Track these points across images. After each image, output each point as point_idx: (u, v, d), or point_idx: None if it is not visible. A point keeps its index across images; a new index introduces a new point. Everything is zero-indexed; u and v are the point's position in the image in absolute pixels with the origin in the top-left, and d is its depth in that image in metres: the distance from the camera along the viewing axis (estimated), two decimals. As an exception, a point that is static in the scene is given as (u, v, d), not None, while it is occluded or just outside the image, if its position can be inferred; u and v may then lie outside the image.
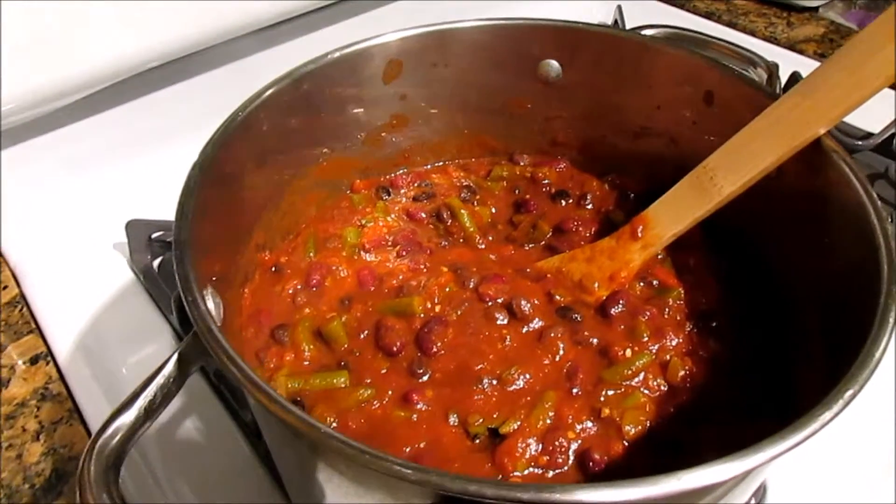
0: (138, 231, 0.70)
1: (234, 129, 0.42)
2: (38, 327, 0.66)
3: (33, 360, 0.63)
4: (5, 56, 0.65)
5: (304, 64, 0.47)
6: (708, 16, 1.11)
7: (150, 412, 0.31)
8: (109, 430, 0.29)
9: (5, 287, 0.71)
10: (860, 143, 0.82)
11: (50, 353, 0.64)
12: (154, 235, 0.72)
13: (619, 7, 1.01)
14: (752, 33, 1.07)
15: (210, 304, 0.33)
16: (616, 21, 0.93)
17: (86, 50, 0.69)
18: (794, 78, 0.42)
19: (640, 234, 0.47)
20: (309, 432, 0.26)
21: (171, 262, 0.68)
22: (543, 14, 0.54)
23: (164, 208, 0.67)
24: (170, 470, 0.53)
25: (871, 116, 0.83)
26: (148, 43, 0.71)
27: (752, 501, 0.52)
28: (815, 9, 1.10)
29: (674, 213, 0.46)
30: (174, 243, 0.33)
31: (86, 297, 0.68)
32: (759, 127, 0.43)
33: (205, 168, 0.38)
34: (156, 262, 0.71)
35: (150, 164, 0.78)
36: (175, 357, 0.32)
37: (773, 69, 0.50)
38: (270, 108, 0.45)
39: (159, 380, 0.32)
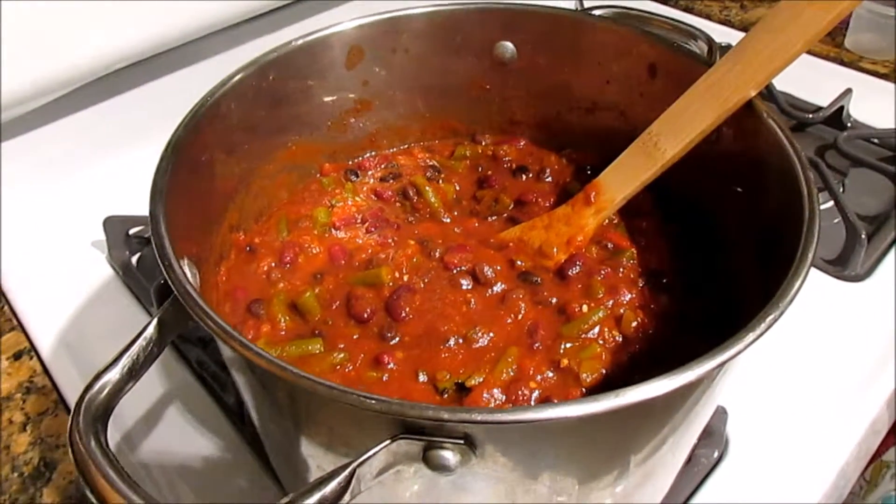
0: (116, 227, 0.72)
1: (203, 114, 0.45)
2: (20, 324, 0.68)
3: (17, 356, 0.65)
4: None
5: (268, 52, 0.50)
6: (664, 1, 1.15)
7: (134, 371, 0.33)
8: (96, 387, 0.31)
9: (-15, 286, 0.72)
10: (811, 116, 0.87)
11: (33, 348, 0.66)
12: (132, 231, 0.73)
13: (582, -8, 1.05)
14: (708, 17, 1.11)
15: (187, 272, 0.35)
16: (577, 4, 0.97)
17: (56, 51, 0.71)
18: (730, 47, 0.46)
19: (592, 200, 0.50)
20: (280, 374, 0.29)
21: (150, 253, 0.71)
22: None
23: (141, 205, 0.69)
24: (156, 456, 0.55)
25: (822, 92, 0.88)
26: (117, 42, 0.73)
27: (716, 454, 0.56)
28: (767, -8, 1.14)
29: (623, 178, 0.49)
30: (150, 216, 0.36)
31: (66, 294, 0.70)
32: (695, 93, 0.46)
33: (176, 149, 0.41)
34: (134, 258, 0.73)
35: (123, 162, 0.80)
36: (155, 321, 0.34)
37: (712, 41, 0.53)
38: (237, 94, 0.48)
39: (141, 342, 0.34)
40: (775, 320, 0.31)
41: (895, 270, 0.69)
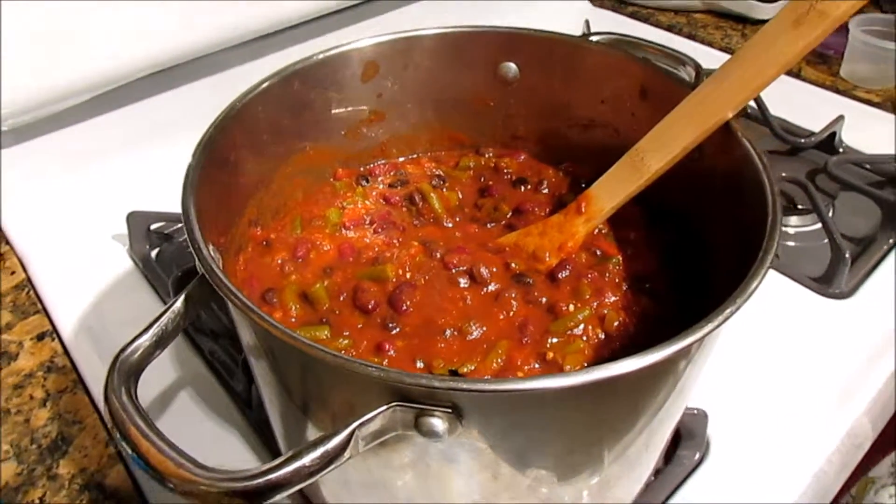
0: (138, 222, 0.76)
1: (232, 117, 0.49)
2: (43, 308, 0.73)
3: (40, 337, 0.70)
4: (8, 61, 0.71)
5: (292, 63, 0.54)
6: (670, 28, 1.20)
7: (162, 339, 0.37)
8: (129, 349, 0.36)
9: (13, 272, 0.77)
10: (803, 140, 0.90)
11: (55, 330, 0.70)
12: (153, 227, 0.78)
13: (587, 21, 1.10)
14: (710, 44, 1.16)
15: (213, 255, 0.39)
16: (584, 32, 1.02)
17: (86, 57, 0.75)
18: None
19: (583, 210, 0.54)
20: (292, 342, 0.33)
21: (169, 248, 0.75)
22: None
23: (163, 202, 0.74)
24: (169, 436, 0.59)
25: (816, 118, 0.92)
26: (146, 52, 0.78)
27: (697, 455, 0.59)
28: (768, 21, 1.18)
29: (611, 190, 0.53)
30: (182, 203, 0.40)
31: (88, 283, 0.74)
32: (678, 114, 0.50)
33: (207, 146, 0.45)
34: (154, 252, 0.77)
35: (148, 161, 0.85)
36: (182, 296, 0.39)
37: (698, 67, 0.57)
38: (263, 101, 0.52)
39: (169, 314, 0.38)
40: (732, 314, 0.35)
41: (879, 289, 0.73)
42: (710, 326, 0.34)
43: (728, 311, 0.35)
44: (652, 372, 0.35)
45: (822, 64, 1.09)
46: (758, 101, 0.90)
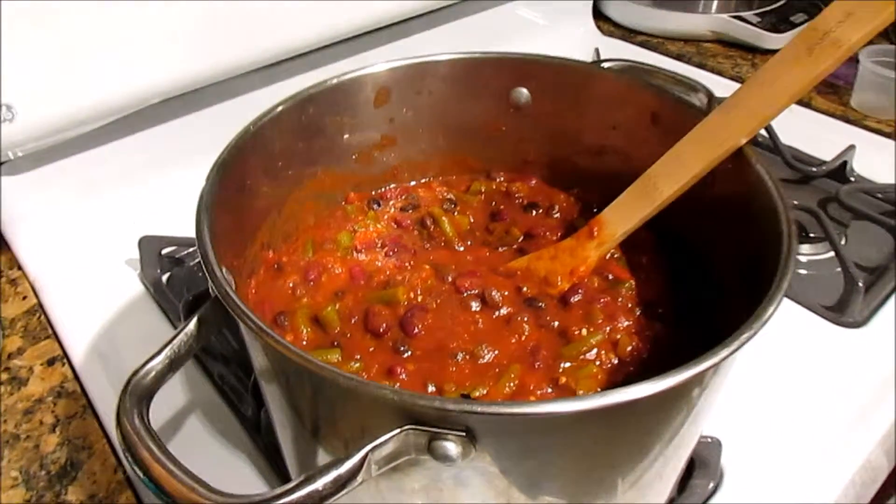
0: (149, 246, 0.77)
1: (247, 140, 0.50)
2: (54, 333, 0.73)
3: (50, 362, 0.69)
4: (22, 86, 0.72)
5: (306, 88, 0.55)
6: (679, 57, 1.20)
7: (175, 362, 0.37)
8: (142, 372, 0.36)
9: (24, 297, 0.77)
10: (815, 169, 0.90)
11: (65, 355, 0.70)
12: (164, 251, 0.78)
13: (597, 49, 1.11)
14: (720, 73, 1.16)
15: (226, 277, 0.39)
16: (594, 59, 1.03)
17: (100, 83, 0.76)
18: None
19: (595, 234, 0.54)
20: (305, 364, 0.33)
21: (180, 272, 0.75)
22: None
23: (174, 226, 0.75)
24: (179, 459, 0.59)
25: (827, 147, 0.92)
26: (159, 78, 0.79)
27: (711, 485, 0.58)
28: (777, 51, 1.19)
29: (623, 215, 0.53)
30: (196, 224, 0.40)
31: (99, 307, 0.74)
32: (691, 139, 0.50)
33: (221, 169, 0.46)
34: (164, 277, 0.77)
35: (160, 186, 0.85)
36: (195, 318, 0.39)
37: (710, 94, 0.58)
38: (277, 125, 0.53)
39: (182, 336, 0.38)
40: (748, 339, 0.35)
41: (892, 319, 0.72)
42: (725, 352, 0.34)
43: (744, 336, 0.35)
44: (668, 397, 0.35)
45: (832, 93, 1.09)
46: (769, 129, 0.90)
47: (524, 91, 0.62)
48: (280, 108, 0.53)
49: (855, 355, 0.68)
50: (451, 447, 0.33)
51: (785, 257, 0.39)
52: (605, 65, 0.62)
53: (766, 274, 0.43)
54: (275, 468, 0.58)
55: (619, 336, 0.50)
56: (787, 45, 0.47)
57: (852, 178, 0.91)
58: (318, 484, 0.31)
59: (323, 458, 0.42)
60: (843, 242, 0.81)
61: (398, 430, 0.33)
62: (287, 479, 0.55)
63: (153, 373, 0.36)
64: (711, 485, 0.58)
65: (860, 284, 0.72)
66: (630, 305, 0.53)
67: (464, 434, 0.33)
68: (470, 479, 0.37)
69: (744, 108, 0.47)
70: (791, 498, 0.57)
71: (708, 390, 0.40)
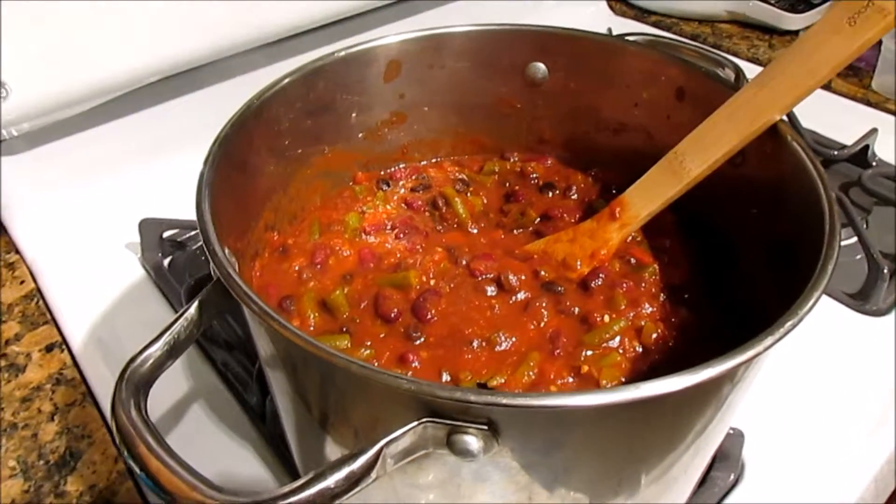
0: (150, 230, 0.74)
1: (250, 115, 0.47)
2: (53, 319, 0.70)
3: (48, 349, 0.67)
4: (17, 65, 0.70)
5: (314, 60, 0.52)
6: (694, 38, 1.17)
7: (175, 348, 0.35)
8: (139, 360, 0.33)
9: (22, 282, 0.75)
10: (836, 153, 0.88)
11: (64, 341, 0.68)
12: (165, 234, 0.76)
13: (610, 29, 1.08)
14: (736, 54, 1.13)
15: (229, 258, 0.37)
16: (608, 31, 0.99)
17: (95, 62, 0.74)
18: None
19: (617, 216, 0.52)
20: (314, 350, 0.30)
21: (182, 256, 0.73)
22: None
23: (176, 209, 0.72)
24: (179, 450, 0.57)
25: (848, 131, 0.89)
26: (158, 55, 0.77)
27: (732, 477, 0.56)
28: (796, 32, 1.16)
29: (648, 195, 0.51)
30: (196, 203, 0.38)
31: (98, 292, 0.72)
32: (722, 115, 0.47)
33: (223, 145, 0.43)
34: (166, 261, 0.75)
35: (161, 168, 0.83)
36: (196, 302, 0.36)
37: (739, 69, 0.55)
38: (282, 99, 0.50)
39: (182, 321, 0.36)
40: (793, 326, 0.32)
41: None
42: (760, 347, 0.31)
43: (780, 331, 0.32)
44: (702, 390, 0.32)
45: (853, 76, 1.06)
46: (789, 113, 0.87)
47: (541, 66, 0.59)
48: (286, 81, 0.50)
49: (880, 343, 0.66)
50: (472, 441, 0.31)
51: (829, 239, 0.36)
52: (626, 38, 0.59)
53: (798, 259, 0.41)
54: (280, 459, 0.56)
55: (643, 322, 0.47)
56: (825, 14, 0.44)
57: (874, 163, 0.88)
58: (330, 481, 0.29)
59: (332, 449, 0.39)
60: (865, 228, 0.79)
61: (416, 423, 0.31)
62: (294, 471, 0.53)
63: (151, 360, 0.34)
64: (732, 477, 0.55)
65: (885, 271, 0.70)
66: (654, 290, 0.50)
67: (486, 427, 0.31)
68: (490, 474, 0.35)
69: (780, 82, 0.45)
70: (816, 490, 0.54)
71: (740, 384, 0.37)
